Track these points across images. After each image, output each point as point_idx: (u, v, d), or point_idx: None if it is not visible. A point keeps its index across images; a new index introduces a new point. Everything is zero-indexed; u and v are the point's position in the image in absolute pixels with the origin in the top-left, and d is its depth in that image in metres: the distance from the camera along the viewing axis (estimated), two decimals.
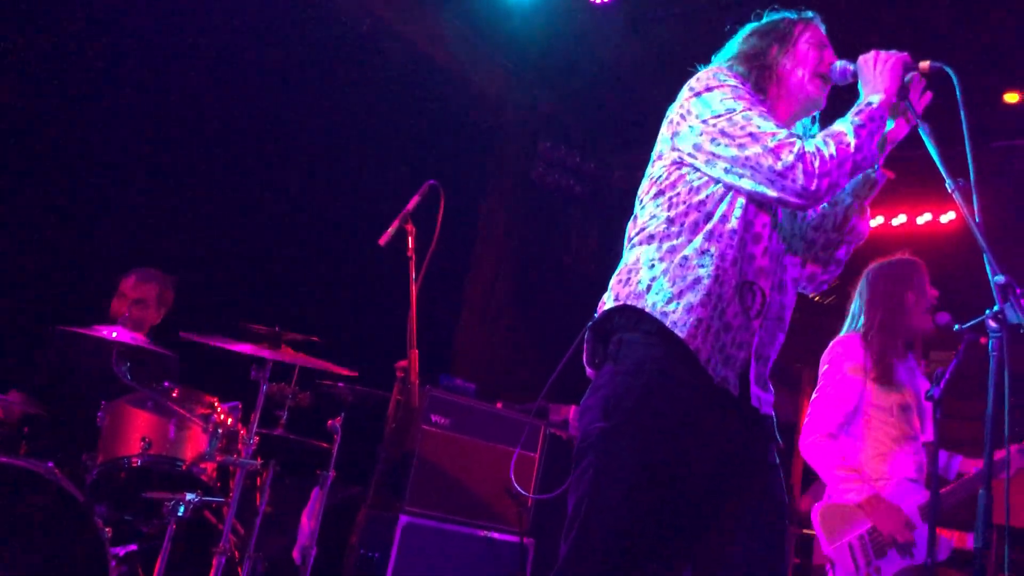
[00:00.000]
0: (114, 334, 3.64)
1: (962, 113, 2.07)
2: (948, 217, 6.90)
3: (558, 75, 7.37)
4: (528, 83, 7.59)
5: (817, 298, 10.50)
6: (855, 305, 3.86)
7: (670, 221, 2.22)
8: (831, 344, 3.82)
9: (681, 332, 2.11)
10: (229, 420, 3.84)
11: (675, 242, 2.20)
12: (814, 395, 3.73)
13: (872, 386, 3.67)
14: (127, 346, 3.66)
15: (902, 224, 7.06)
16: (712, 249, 2.17)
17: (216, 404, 3.85)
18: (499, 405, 5.21)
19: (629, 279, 2.22)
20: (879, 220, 7.03)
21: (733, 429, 2.19)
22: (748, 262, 2.20)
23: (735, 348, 2.17)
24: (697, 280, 2.14)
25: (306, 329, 4.07)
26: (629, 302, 2.18)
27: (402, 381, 4.20)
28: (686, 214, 2.21)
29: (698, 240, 2.18)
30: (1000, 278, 1.87)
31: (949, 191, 2.03)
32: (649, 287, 2.17)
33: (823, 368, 3.78)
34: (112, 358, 3.61)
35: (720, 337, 2.15)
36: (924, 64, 2.23)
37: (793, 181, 2.10)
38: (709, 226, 2.19)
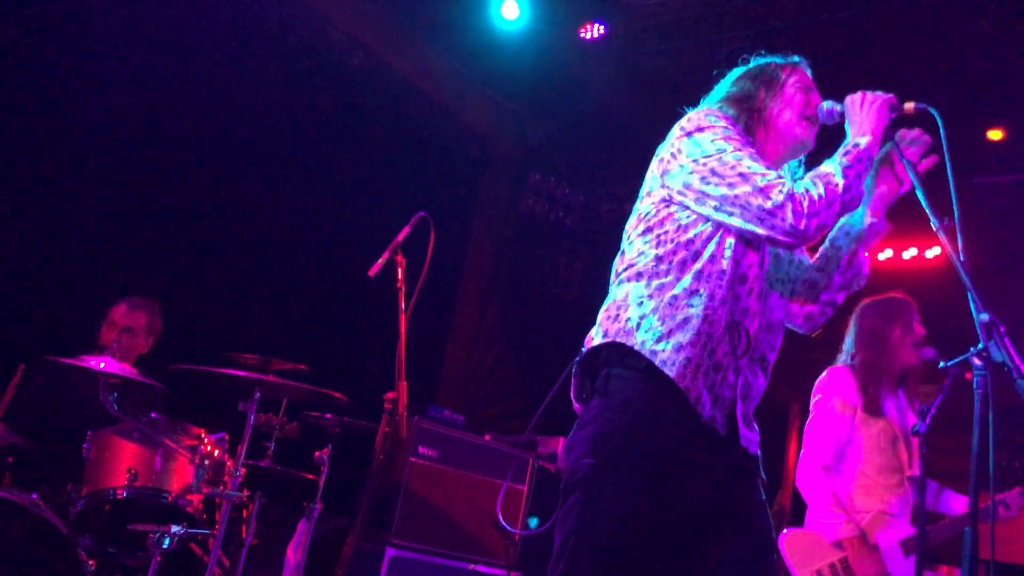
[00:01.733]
0: (102, 364, 3.62)
1: (946, 154, 2.10)
2: (933, 252, 6.96)
3: (548, 108, 7.43)
4: (518, 116, 7.64)
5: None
6: (847, 340, 3.90)
7: (659, 259, 2.24)
8: (824, 374, 3.86)
9: (671, 371, 2.12)
10: (216, 451, 3.82)
11: (664, 280, 2.21)
12: (807, 426, 3.76)
13: (860, 416, 3.70)
14: (114, 376, 3.64)
15: (888, 258, 7.11)
16: (701, 289, 2.18)
17: (203, 435, 3.83)
18: (487, 437, 5.20)
19: (619, 316, 2.23)
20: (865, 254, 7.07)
21: (720, 467, 2.19)
22: (735, 302, 2.22)
23: (724, 388, 2.19)
24: (687, 320, 2.16)
25: (294, 360, 4.06)
26: (619, 339, 2.19)
27: (390, 412, 4.19)
28: (675, 252, 2.23)
29: (687, 279, 2.20)
30: (984, 316, 1.89)
31: (934, 230, 2.06)
32: (639, 325, 2.18)
33: (815, 398, 3.82)
34: (99, 388, 3.60)
35: (710, 376, 2.16)
36: (909, 105, 2.27)
37: (783, 220, 2.12)
38: (698, 265, 2.21)
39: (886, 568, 3.51)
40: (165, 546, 3.43)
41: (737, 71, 2.52)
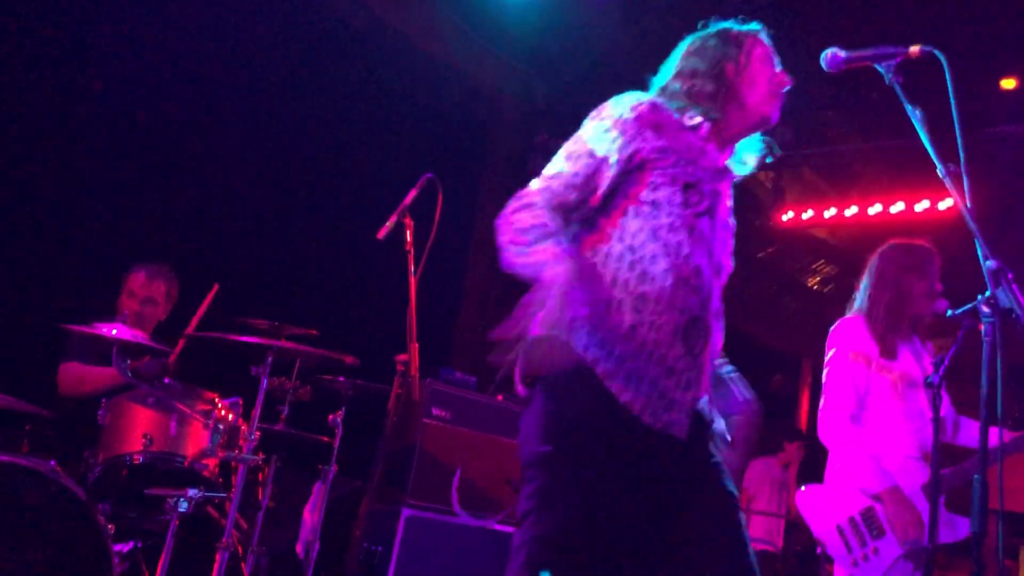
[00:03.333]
0: (114, 331, 3.64)
1: (951, 98, 2.07)
2: (946, 204, 6.88)
3: (554, 67, 7.37)
4: (524, 75, 7.58)
5: (816, 287, 10.55)
6: (864, 282, 3.84)
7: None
8: (836, 325, 3.82)
9: (611, 385, 2.09)
10: (230, 416, 3.86)
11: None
12: (824, 379, 3.72)
13: (878, 363, 3.67)
14: (127, 343, 3.66)
15: (900, 211, 7.04)
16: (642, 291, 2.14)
17: (217, 400, 3.86)
18: (500, 397, 5.22)
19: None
20: (877, 208, 7.01)
21: (672, 451, 2.15)
22: (682, 286, 2.16)
23: (680, 391, 2.14)
24: (632, 328, 2.12)
25: (305, 325, 4.08)
26: (558, 333, 2.17)
27: (402, 375, 4.20)
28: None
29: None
30: (991, 263, 1.87)
31: (940, 176, 2.03)
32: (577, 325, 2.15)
33: (829, 352, 3.77)
34: (112, 355, 3.62)
35: (658, 385, 2.11)
36: (914, 49, 2.23)
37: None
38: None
39: (921, 518, 3.49)
40: (183, 510, 3.47)
41: (692, 39, 2.46)
